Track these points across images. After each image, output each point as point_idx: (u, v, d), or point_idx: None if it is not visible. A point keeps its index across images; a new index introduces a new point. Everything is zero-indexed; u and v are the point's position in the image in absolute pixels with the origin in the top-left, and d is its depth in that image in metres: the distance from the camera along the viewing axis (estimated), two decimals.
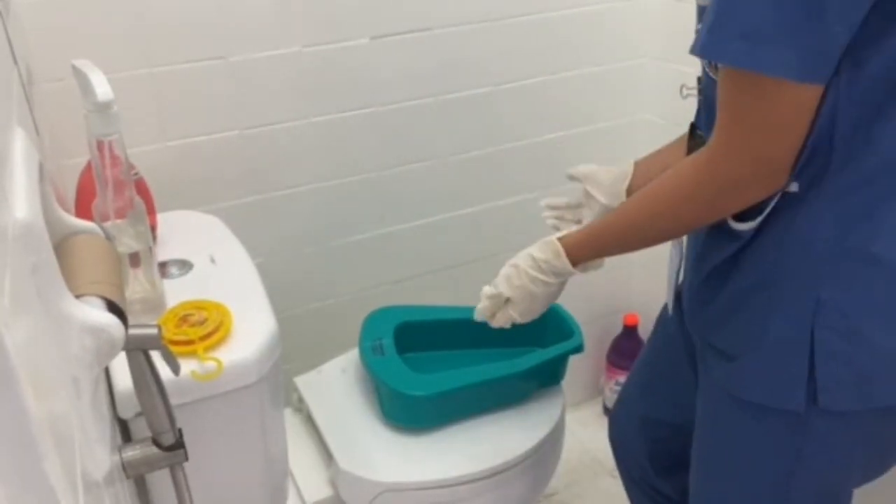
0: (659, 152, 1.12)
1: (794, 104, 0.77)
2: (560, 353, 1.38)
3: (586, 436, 1.95)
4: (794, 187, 0.82)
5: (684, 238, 1.03)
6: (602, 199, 1.15)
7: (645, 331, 1.91)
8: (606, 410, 2.01)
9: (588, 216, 1.18)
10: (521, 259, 1.10)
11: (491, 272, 1.74)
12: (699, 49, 0.78)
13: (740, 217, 0.89)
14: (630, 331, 1.91)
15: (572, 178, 1.21)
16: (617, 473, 1.88)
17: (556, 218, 1.24)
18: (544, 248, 1.06)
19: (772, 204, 0.84)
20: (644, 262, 1.86)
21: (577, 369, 1.80)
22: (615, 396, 1.95)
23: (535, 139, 1.61)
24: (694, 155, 0.86)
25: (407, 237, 1.59)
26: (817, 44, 0.73)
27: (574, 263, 1.03)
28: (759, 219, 0.85)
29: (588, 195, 1.18)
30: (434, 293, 1.64)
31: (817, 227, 0.82)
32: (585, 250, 1.02)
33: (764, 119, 0.78)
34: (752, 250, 0.88)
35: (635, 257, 1.86)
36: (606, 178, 1.15)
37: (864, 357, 0.84)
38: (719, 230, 0.91)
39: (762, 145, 0.80)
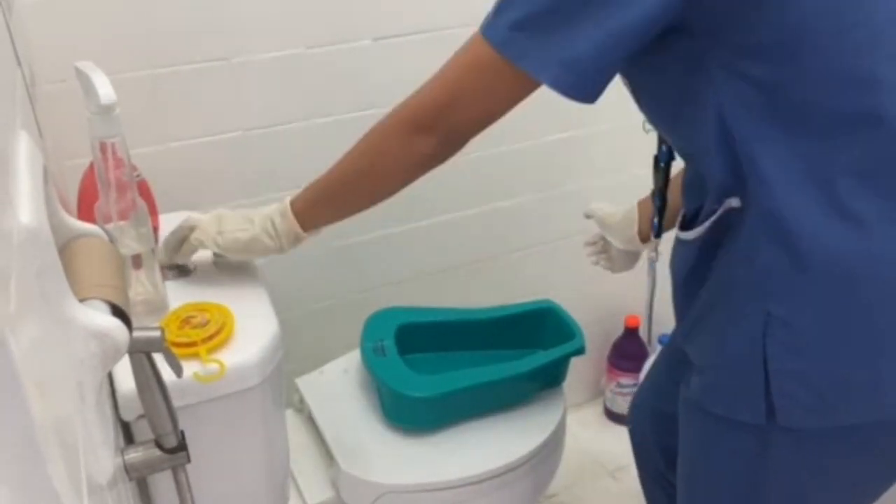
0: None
1: (518, 98, 0.84)
2: (561, 355, 1.38)
3: (587, 437, 1.95)
4: (735, 202, 0.84)
5: (654, 260, 1.05)
6: (619, 244, 1.18)
7: (646, 332, 1.91)
8: (607, 412, 2.01)
9: (616, 257, 1.21)
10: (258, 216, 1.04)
11: (493, 273, 1.74)
12: (482, 29, 0.83)
13: (684, 225, 0.92)
14: (631, 332, 1.90)
15: (588, 217, 1.25)
16: (618, 475, 1.89)
17: (597, 253, 1.27)
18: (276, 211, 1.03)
19: (713, 217, 0.86)
20: (647, 263, 1.86)
21: (579, 371, 1.80)
22: (616, 398, 1.96)
23: (538, 140, 1.61)
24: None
25: (409, 238, 1.59)
26: (570, 54, 0.77)
27: (305, 227, 1.01)
28: (700, 229, 0.88)
29: (605, 239, 1.23)
30: (436, 294, 1.64)
31: (762, 243, 0.82)
32: (315, 207, 1.01)
33: (484, 96, 0.85)
34: (714, 264, 0.89)
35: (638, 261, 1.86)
36: (615, 225, 1.19)
37: (817, 374, 0.83)
38: (678, 241, 0.94)
39: (465, 114, 0.86)
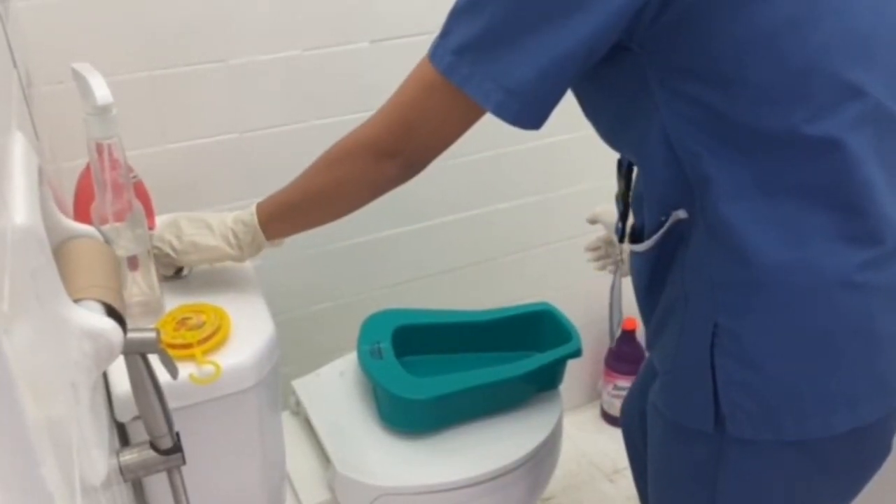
0: None
1: (471, 121, 0.84)
2: (558, 358, 1.38)
3: (584, 440, 1.95)
4: (682, 213, 0.84)
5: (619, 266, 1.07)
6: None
7: (643, 335, 1.91)
8: (604, 415, 2.01)
9: (626, 259, 1.17)
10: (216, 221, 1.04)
11: (490, 275, 1.74)
12: (429, 53, 0.83)
13: (635, 237, 0.93)
14: (628, 335, 1.91)
15: (592, 222, 1.23)
16: (614, 478, 1.89)
17: (599, 259, 1.25)
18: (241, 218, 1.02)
19: (662, 229, 0.86)
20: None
21: (575, 374, 1.80)
22: (613, 401, 1.96)
23: (535, 142, 1.61)
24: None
25: (405, 240, 1.59)
26: (513, 81, 0.77)
27: (268, 237, 1.01)
28: (649, 241, 0.88)
29: (611, 243, 1.21)
30: (433, 296, 1.64)
31: (709, 255, 0.82)
32: (278, 219, 1.01)
33: (438, 120, 0.85)
34: (669, 272, 0.89)
35: None
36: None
37: (762, 386, 0.82)
38: (633, 253, 0.95)
39: (423, 137, 0.87)
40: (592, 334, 1.88)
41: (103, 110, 0.86)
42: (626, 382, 1.92)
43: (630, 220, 0.99)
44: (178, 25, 1.25)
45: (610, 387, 1.95)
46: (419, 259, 1.62)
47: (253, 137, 1.37)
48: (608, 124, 0.91)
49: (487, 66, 0.78)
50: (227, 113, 1.34)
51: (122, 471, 0.76)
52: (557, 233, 1.75)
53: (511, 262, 1.73)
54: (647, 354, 1.88)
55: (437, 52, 0.82)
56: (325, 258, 1.52)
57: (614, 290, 1.12)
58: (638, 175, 0.94)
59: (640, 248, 0.91)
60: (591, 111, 0.92)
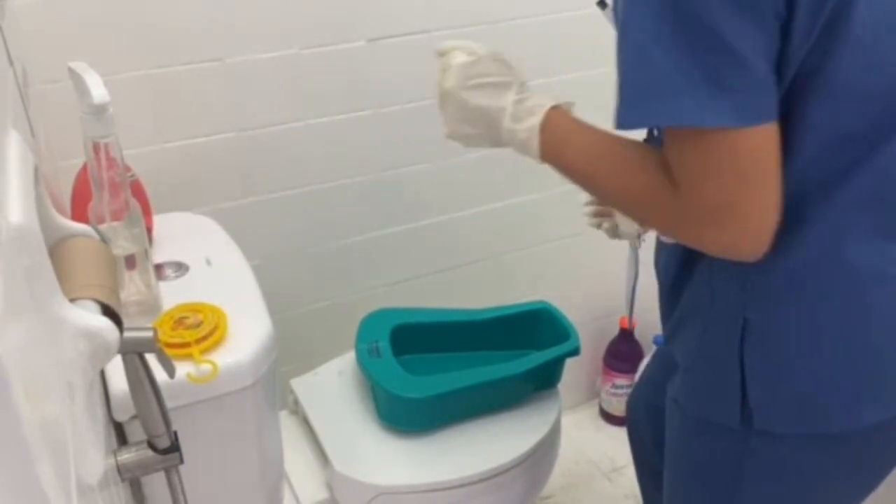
0: None
1: (734, 149, 0.72)
2: (556, 356, 1.38)
3: (582, 438, 1.95)
4: None
5: (639, 251, 1.05)
6: (622, 224, 1.10)
7: (641, 333, 1.91)
8: (603, 413, 2.01)
9: (621, 220, 1.11)
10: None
11: (488, 274, 1.74)
12: (618, 123, 0.75)
13: None
14: (626, 333, 1.91)
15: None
16: (613, 476, 1.89)
17: (598, 215, 1.14)
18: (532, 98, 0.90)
19: None
20: (642, 264, 1.86)
21: (574, 372, 1.80)
22: (611, 399, 1.96)
23: None
24: (668, 180, 0.77)
25: (404, 239, 1.59)
26: (731, 80, 0.69)
27: (541, 145, 0.87)
28: None
29: None
30: (431, 295, 1.64)
31: None
32: (556, 156, 0.88)
33: (707, 168, 0.73)
34: (696, 266, 0.88)
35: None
36: None
37: (793, 380, 0.83)
38: (662, 245, 0.93)
39: (716, 194, 0.73)
40: (590, 333, 1.88)
41: (100, 109, 0.85)
42: (624, 381, 1.92)
43: None
44: (175, 24, 1.25)
45: (608, 385, 1.95)
46: (417, 258, 1.62)
47: (250, 136, 1.37)
48: None
49: (691, 90, 0.70)
50: (224, 112, 1.34)
51: (120, 470, 0.75)
52: (555, 231, 1.75)
53: (509, 261, 1.73)
54: (644, 353, 1.89)
55: (711, 114, 0.71)
56: (323, 257, 1.52)
57: (633, 263, 1.09)
58: None
59: (670, 239, 0.90)
60: None
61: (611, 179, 0.84)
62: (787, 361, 0.83)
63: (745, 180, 0.72)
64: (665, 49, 0.70)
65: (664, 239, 0.93)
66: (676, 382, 0.95)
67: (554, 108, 0.88)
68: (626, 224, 1.13)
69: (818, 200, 0.78)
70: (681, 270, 0.91)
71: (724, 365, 0.86)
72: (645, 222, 0.88)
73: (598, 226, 1.18)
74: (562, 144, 0.87)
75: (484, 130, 0.92)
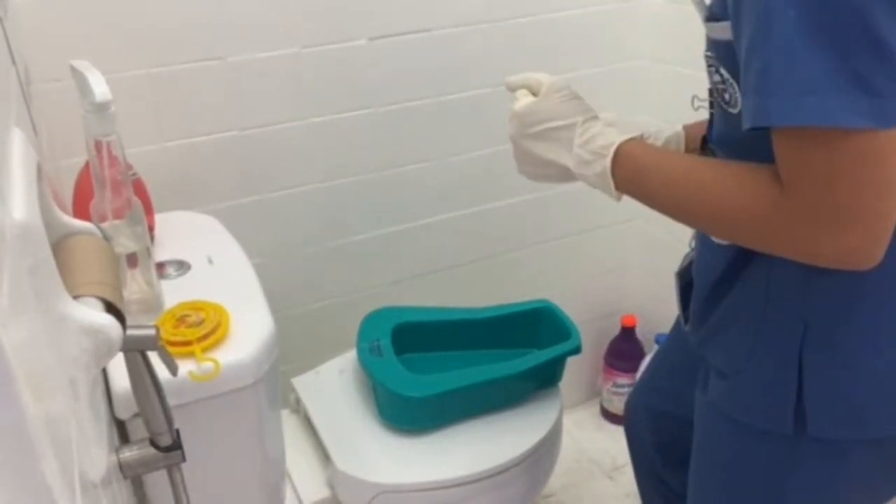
0: (701, 124, 1.02)
1: (870, 151, 0.68)
2: (557, 355, 1.38)
3: (583, 437, 1.95)
4: None
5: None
6: None
7: (643, 332, 1.92)
8: (604, 412, 2.01)
9: None
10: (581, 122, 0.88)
11: (490, 273, 1.74)
12: (770, 117, 0.70)
13: None
14: (628, 332, 1.91)
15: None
16: (614, 475, 1.89)
17: None
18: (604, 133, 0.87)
19: None
20: (642, 263, 1.86)
21: (575, 371, 1.80)
22: (613, 398, 1.96)
23: None
24: (773, 189, 0.74)
25: (405, 238, 1.59)
26: (880, 81, 0.66)
27: (617, 181, 0.85)
28: None
29: None
30: (432, 294, 1.65)
31: None
32: (634, 174, 0.85)
33: (838, 170, 0.69)
34: (746, 269, 0.87)
35: (634, 259, 1.87)
36: (660, 146, 1.03)
37: (853, 384, 0.82)
38: (706, 246, 0.91)
39: (845, 196, 0.70)
40: (592, 332, 1.88)
41: (102, 107, 0.85)
42: (625, 380, 1.92)
43: None
44: (177, 23, 1.25)
45: (609, 384, 1.95)
46: (419, 257, 1.63)
47: (252, 135, 1.37)
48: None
49: (838, 90, 0.67)
50: (225, 110, 1.34)
51: (122, 468, 0.76)
52: (557, 230, 1.75)
53: (510, 260, 1.73)
54: (646, 352, 1.89)
55: (786, 112, 0.69)
56: (324, 256, 1.53)
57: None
58: (728, 158, 0.86)
59: (724, 241, 0.87)
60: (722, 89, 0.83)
61: (699, 202, 0.80)
62: (850, 367, 0.82)
63: (878, 183, 0.69)
64: (812, 43, 0.66)
65: (713, 240, 0.89)
66: (715, 388, 0.92)
67: (624, 143, 0.85)
68: None
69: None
70: (726, 274, 0.89)
71: (781, 370, 0.84)
72: (741, 239, 0.81)
73: None
74: (639, 178, 0.85)
75: (555, 173, 0.92)
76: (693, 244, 1.01)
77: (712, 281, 0.92)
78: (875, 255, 0.73)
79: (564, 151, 0.89)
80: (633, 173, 0.85)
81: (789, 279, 0.83)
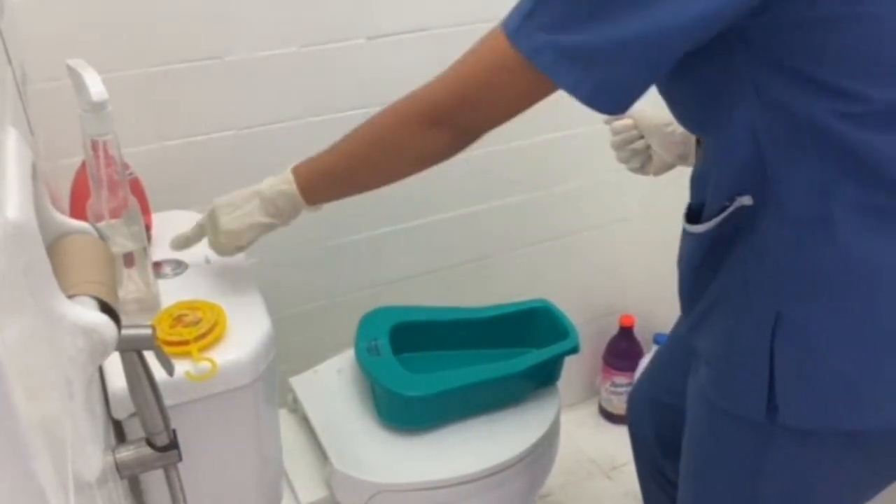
0: None
1: (538, 99, 0.82)
2: (556, 354, 1.38)
3: (582, 437, 1.95)
4: (747, 200, 0.83)
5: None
6: (662, 152, 1.08)
7: (641, 332, 1.92)
8: (602, 411, 2.01)
9: (655, 159, 1.11)
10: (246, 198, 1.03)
11: (488, 272, 1.74)
12: (509, 31, 0.79)
13: (691, 218, 0.91)
14: (626, 331, 1.91)
15: (617, 132, 1.13)
16: (612, 475, 1.89)
17: (629, 147, 1.12)
18: (277, 182, 1.01)
19: (724, 213, 0.85)
20: (641, 262, 1.86)
21: (573, 370, 1.80)
22: (611, 398, 1.96)
23: (530, 140, 1.61)
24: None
25: (403, 237, 1.59)
26: (608, 76, 0.75)
27: (309, 201, 0.99)
28: (710, 224, 0.87)
29: (642, 138, 1.12)
30: (430, 294, 1.64)
31: (776, 242, 0.82)
32: (319, 186, 0.99)
33: (505, 97, 0.82)
34: (728, 256, 0.88)
35: (632, 258, 1.87)
36: (659, 129, 1.08)
37: (823, 376, 0.83)
38: (686, 234, 0.93)
39: (482, 112, 0.85)
40: (590, 331, 1.88)
41: (99, 107, 0.85)
42: (623, 379, 1.92)
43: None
44: (175, 22, 1.25)
45: (608, 384, 1.95)
46: (417, 256, 1.62)
47: (250, 134, 1.37)
48: (685, 106, 0.89)
49: (581, 55, 0.75)
50: (223, 110, 1.34)
51: (119, 468, 0.75)
52: (555, 229, 1.75)
53: (508, 259, 1.73)
54: (644, 351, 1.89)
55: (520, 32, 0.78)
56: (322, 255, 1.52)
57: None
58: (706, 155, 0.91)
59: (696, 229, 0.89)
60: (667, 89, 0.89)
61: (371, 144, 0.95)
62: (819, 357, 0.82)
63: (506, 112, 0.86)
64: None
65: (692, 229, 0.91)
66: (702, 374, 0.94)
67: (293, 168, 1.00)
68: (659, 162, 1.07)
69: (860, 197, 0.78)
70: (705, 260, 0.90)
71: (754, 358, 0.85)
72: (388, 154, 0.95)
73: (628, 160, 1.14)
74: (322, 175, 0.99)
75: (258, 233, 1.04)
76: None
77: (694, 268, 0.93)
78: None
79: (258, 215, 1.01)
80: (316, 176, 0.98)
81: (765, 268, 0.84)
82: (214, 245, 1.04)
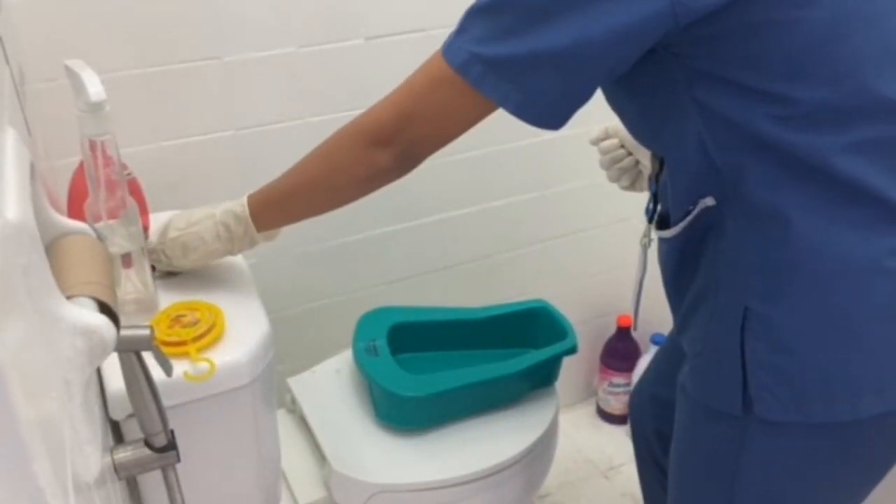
0: None
1: (477, 119, 0.84)
2: (554, 355, 1.38)
3: (580, 437, 1.95)
4: (709, 201, 0.85)
5: (646, 246, 1.05)
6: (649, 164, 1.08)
7: (639, 332, 1.92)
8: (600, 412, 2.01)
9: (644, 174, 1.11)
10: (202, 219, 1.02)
11: (486, 272, 1.74)
12: (443, 48, 0.82)
13: (662, 224, 0.94)
14: (624, 332, 1.91)
15: (598, 140, 1.13)
16: (610, 475, 1.89)
17: (617, 164, 1.13)
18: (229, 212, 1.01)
19: (690, 217, 0.87)
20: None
21: (571, 371, 1.80)
22: (609, 398, 1.96)
23: (529, 140, 1.61)
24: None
25: (401, 238, 1.59)
26: (537, 88, 0.77)
27: (259, 229, 0.99)
28: (676, 228, 0.89)
29: (630, 155, 1.12)
30: (428, 294, 1.64)
31: (740, 240, 0.84)
32: (271, 209, 0.99)
33: (442, 115, 0.85)
34: (702, 256, 0.90)
35: (628, 259, 1.86)
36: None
37: (792, 370, 0.84)
38: (661, 240, 0.95)
39: (422, 130, 0.86)
40: (588, 331, 1.88)
41: (97, 107, 0.85)
42: (621, 379, 1.92)
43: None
44: (173, 22, 1.24)
45: (605, 384, 1.95)
46: (415, 256, 1.62)
47: (248, 135, 1.37)
48: (634, 121, 0.92)
49: (506, 67, 0.77)
50: (221, 110, 1.33)
51: (117, 468, 0.75)
52: (552, 230, 1.75)
53: (506, 260, 1.73)
54: (642, 352, 1.89)
55: (451, 48, 0.81)
56: (320, 256, 1.52)
57: (642, 262, 1.10)
58: (664, 165, 0.93)
59: (666, 234, 0.92)
60: (616, 106, 0.92)
61: (315, 169, 0.96)
62: (787, 351, 0.84)
63: (448, 134, 0.89)
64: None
65: (662, 234, 0.94)
66: (685, 371, 0.96)
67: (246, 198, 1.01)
68: (651, 166, 1.08)
69: (815, 193, 0.80)
70: (682, 263, 0.92)
71: (727, 353, 0.87)
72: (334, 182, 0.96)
73: (617, 179, 1.15)
74: (274, 203, 0.99)
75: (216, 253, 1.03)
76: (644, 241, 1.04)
77: (673, 272, 0.96)
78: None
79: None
80: (267, 199, 0.98)
81: (732, 265, 0.85)
82: (155, 259, 1.03)
